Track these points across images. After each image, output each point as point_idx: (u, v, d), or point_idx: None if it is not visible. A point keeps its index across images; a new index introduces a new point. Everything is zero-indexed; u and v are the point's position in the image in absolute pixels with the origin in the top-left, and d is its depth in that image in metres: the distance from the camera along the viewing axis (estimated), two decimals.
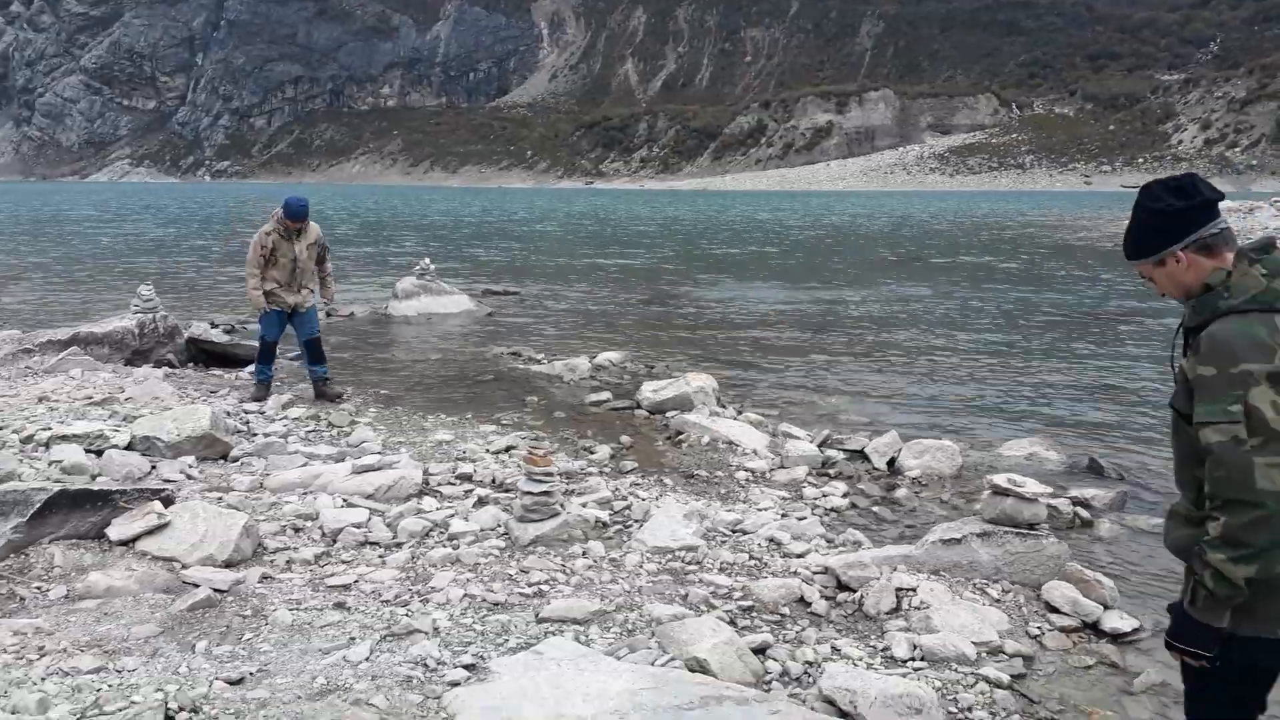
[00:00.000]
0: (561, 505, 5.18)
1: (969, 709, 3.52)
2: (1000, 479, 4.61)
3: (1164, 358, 11.24)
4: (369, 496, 5.52)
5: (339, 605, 4.14)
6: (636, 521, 5.37)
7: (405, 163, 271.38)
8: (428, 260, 15.38)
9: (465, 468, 6.15)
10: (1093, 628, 4.24)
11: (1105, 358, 11.32)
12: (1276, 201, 43.04)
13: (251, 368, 9.71)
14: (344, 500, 5.45)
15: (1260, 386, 2.08)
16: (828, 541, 5.24)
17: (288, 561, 4.63)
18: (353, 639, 3.81)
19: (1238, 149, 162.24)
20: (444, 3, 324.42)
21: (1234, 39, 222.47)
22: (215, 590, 4.15)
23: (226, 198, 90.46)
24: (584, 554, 4.84)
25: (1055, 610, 4.32)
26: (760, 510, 5.69)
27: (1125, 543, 5.41)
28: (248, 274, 8.08)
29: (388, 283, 16.42)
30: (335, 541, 4.93)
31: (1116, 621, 4.23)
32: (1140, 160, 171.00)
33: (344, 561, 4.70)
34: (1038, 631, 4.17)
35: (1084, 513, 5.74)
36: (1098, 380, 10.01)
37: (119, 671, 3.43)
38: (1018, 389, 9.59)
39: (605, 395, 8.65)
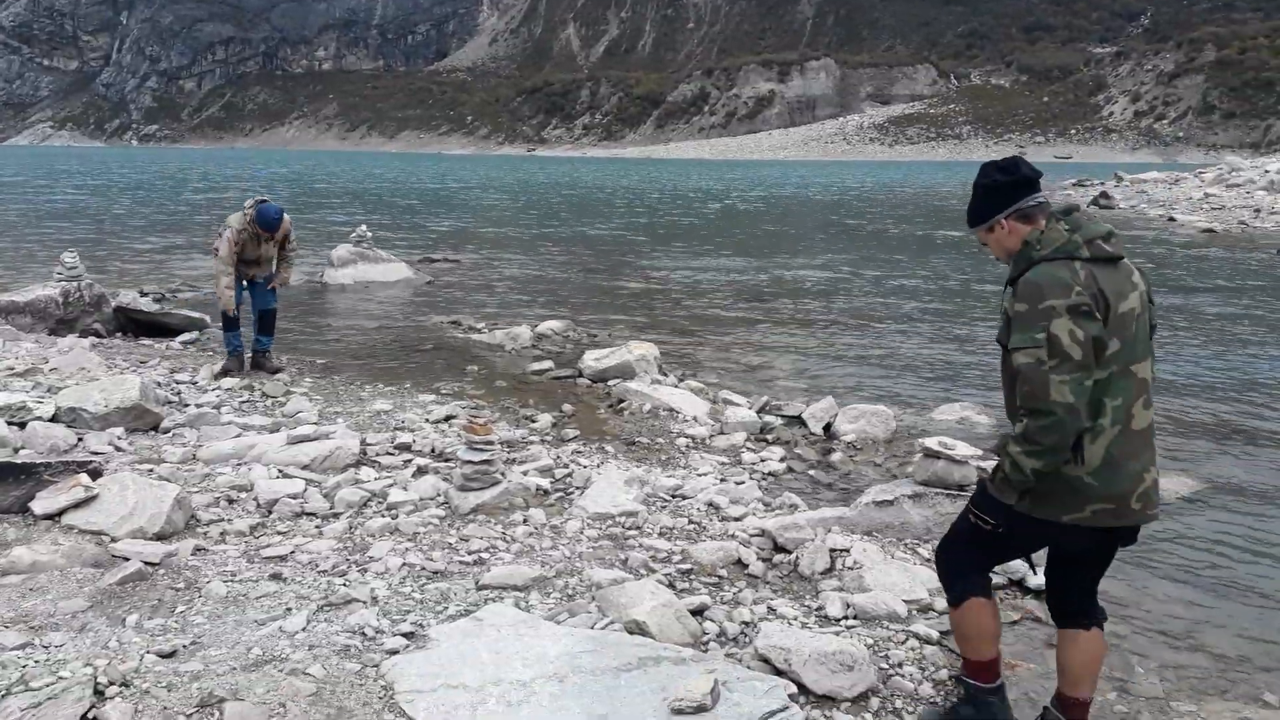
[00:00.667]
0: (502, 474, 5.18)
1: (899, 664, 3.62)
2: (931, 442, 4.72)
3: None
4: (305, 467, 5.46)
5: (275, 576, 4.10)
6: (578, 489, 5.39)
7: (341, 127, 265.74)
8: (364, 227, 15.12)
9: (404, 437, 6.10)
10: (1018, 584, 4.39)
11: None
12: (1200, 173, 44.30)
13: (185, 336, 9.53)
14: (279, 471, 5.38)
15: (1061, 318, 2.57)
16: (765, 505, 5.32)
17: (221, 533, 4.57)
18: (289, 609, 3.78)
19: (1165, 121, 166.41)
20: None
21: (1164, 13, 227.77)
22: (146, 563, 4.08)
23: (157, 163, 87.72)
24: (525, 521, 4.85)
25: None
26: (700, 476, 5.75)
27: None
28: (218, 272, 7.71)
29: (324, 250, 16.11)
30: (270, 513, 4.87)
31: (1041, 578, 4.37)
32: (1073, 131, 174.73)
33: (280, 533, 4.65)
34: None
35: None
36: None
37: (45, 647, 3.36)
38: (951, 355, 9.80)
39: (547, 364, 8.63)
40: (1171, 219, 27.96)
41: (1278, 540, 5.11)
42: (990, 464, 5.89)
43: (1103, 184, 44.57)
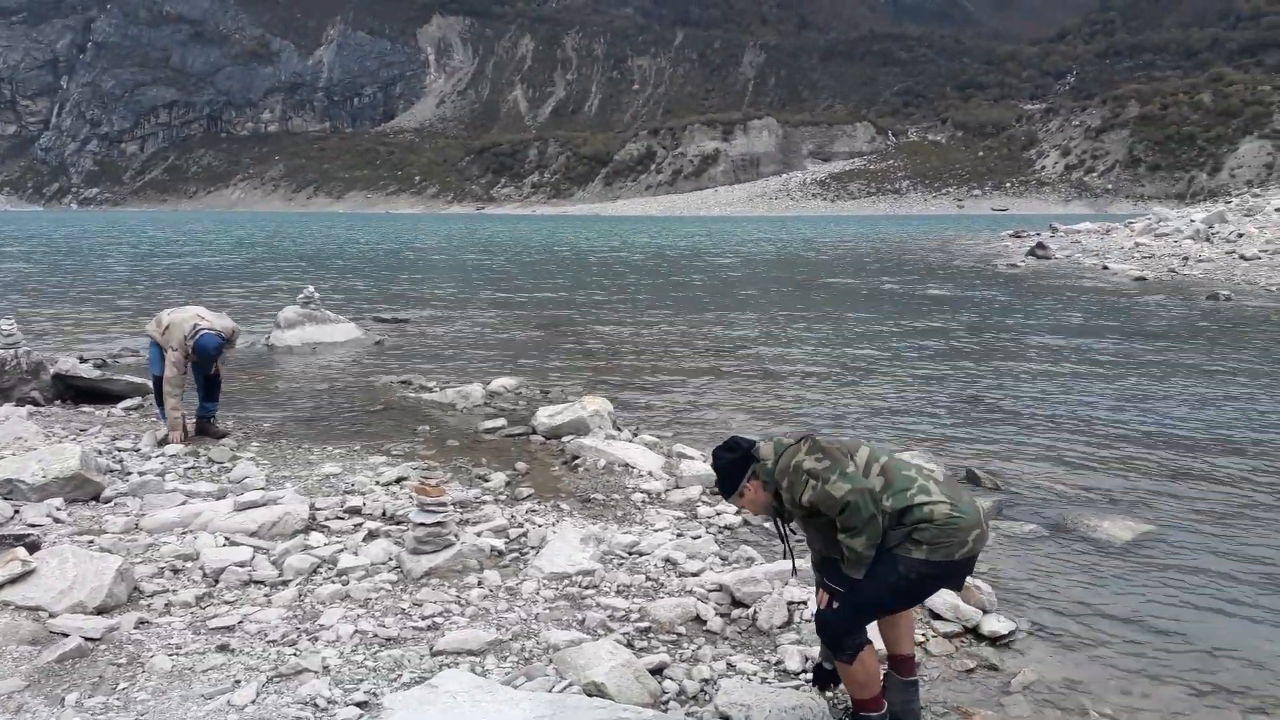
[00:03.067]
0: (455, 535, 5.12)
1: None
2: None
3: (1037, 372, 11.84)
4: (253, 534, 5.34)
5: (222, 648, 3.99)
6: (533, 548, 5.34)
7: (288, 188, 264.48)
8: (311, 288, 14.98)
9: (354, 501, 6.01)
10: (973, 632, 4.43)
11: (982, 372, 11.85)
12: (1130, 223, 45.87)
13: (127, 402, 9.31)
14: (226, 539, 5.25)
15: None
16: (722, 559, 5.31)
17: (166, 605, 4.44)
18: (238, 682, 3.67)
19: (1095, 174, 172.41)
20: (326, 27, 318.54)
21: (1088, 71, 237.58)
22: (86, 639, 3.94)
23: (95, 228, 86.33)
24: (479, 584, 4.79)
25: (938, 617, 4.49)
26: (656, 531, 5.73)
27: (1001, 549, 5.66)
28: (167, 393, 7.42)
29: (270, 312, 15.93)
30: (217, 582, 4.75)
31: (995, 625, 4.43)
32: (1008, 184, 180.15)
33: (227, 602, 4.53)
34: (922, 638, 4.32)
35: None
36: (973, 393, 10.46)
37: None
38: (901, 403, 9.94)
39: (500, 422, 8.58)
40: (1105, 268, 28.86)
41: (1217, 584, 5.22)
42: None
43: (1039, 234, 45.92)
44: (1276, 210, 38.78)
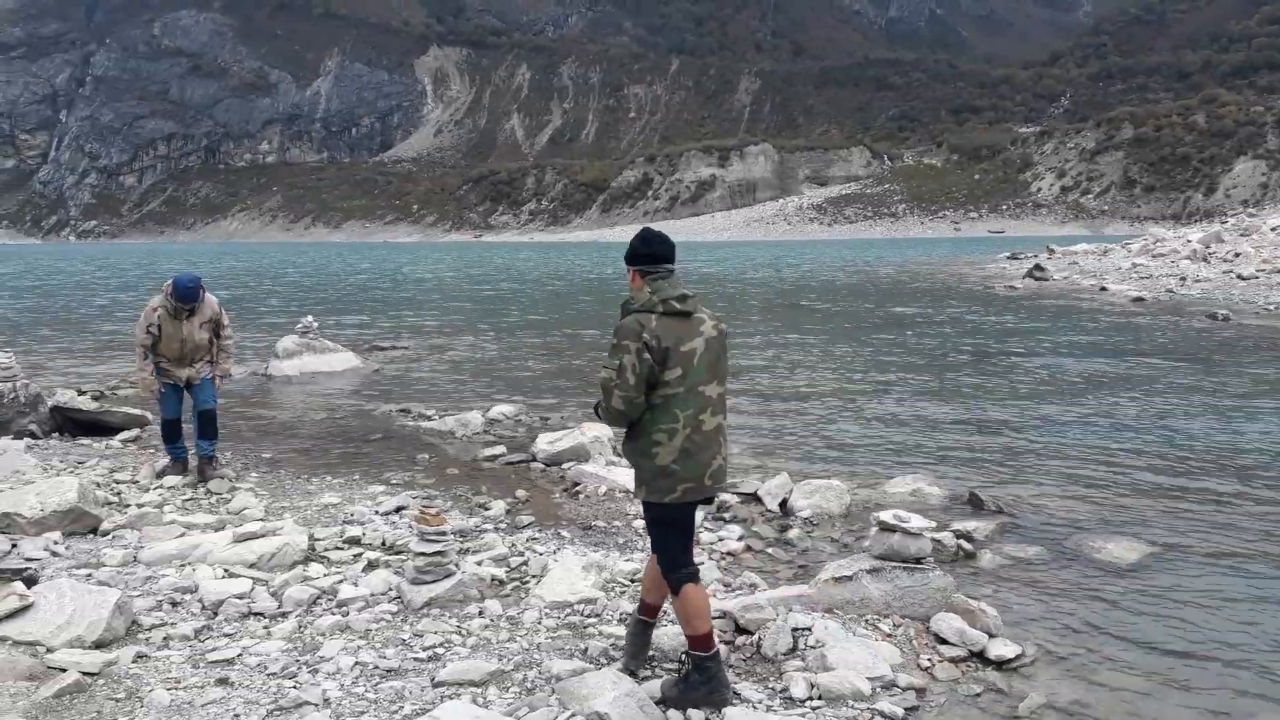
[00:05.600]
0: (456, 565, 5.08)
1: None
2: (886, 515, 4.74)
3: (1038, 394, 11.83)
4: (252, 565, 5.30)
5: (222, 681, 3.95)
6: (534, 577, 5.30)
7: (286, 219, 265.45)
8: (309, 318, 15.00)
9: (353, 531, 5.97)
10: (979, 656, 4.38)
11: (981, 395, 11.84)
12: (1127, 244, 46.06)
13: (125, 434, 9.28)
14: (225, 570, 5.22)
15: (630, 355, 3.64)
16: (725, 585, 5.28)
17: (165, 638, 4.39)
18: (237, 716, 3.64)
19: (1090, 195, 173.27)
20: (324, 59, 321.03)
21: (1082, 94, 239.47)
22: (84, 674, 3.90)
23: (93, 260, 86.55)
24: (480, 613, 4.75)
25: (944, 641, 4.45)
26: None
27: (1006, 572, 5.63)
28: (137, 354, 7.42)
29: (268, 342, 15.93)
30: (216, 614, 4.71)
31: (1001, 649, 4.39)
32: (1004, 207, 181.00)
33: (226, 635, 4.49)
34: (928, 663, 4.28)
35: (967, 545, 5.95)
36: (973, 416, 10.45)
37: None
38: (902, 428, 9.92)
39: (499, 449, 8.56)
40: (1103, 288, 28.94)
41: (1225, 605, 5.18)
42: (942, 535, 5.95)
43: (1036, 256, 46.08)
44: (1273, 230, 38.95)
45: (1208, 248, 36.21)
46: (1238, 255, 33.65)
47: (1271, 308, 22.00)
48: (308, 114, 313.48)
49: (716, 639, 3.92)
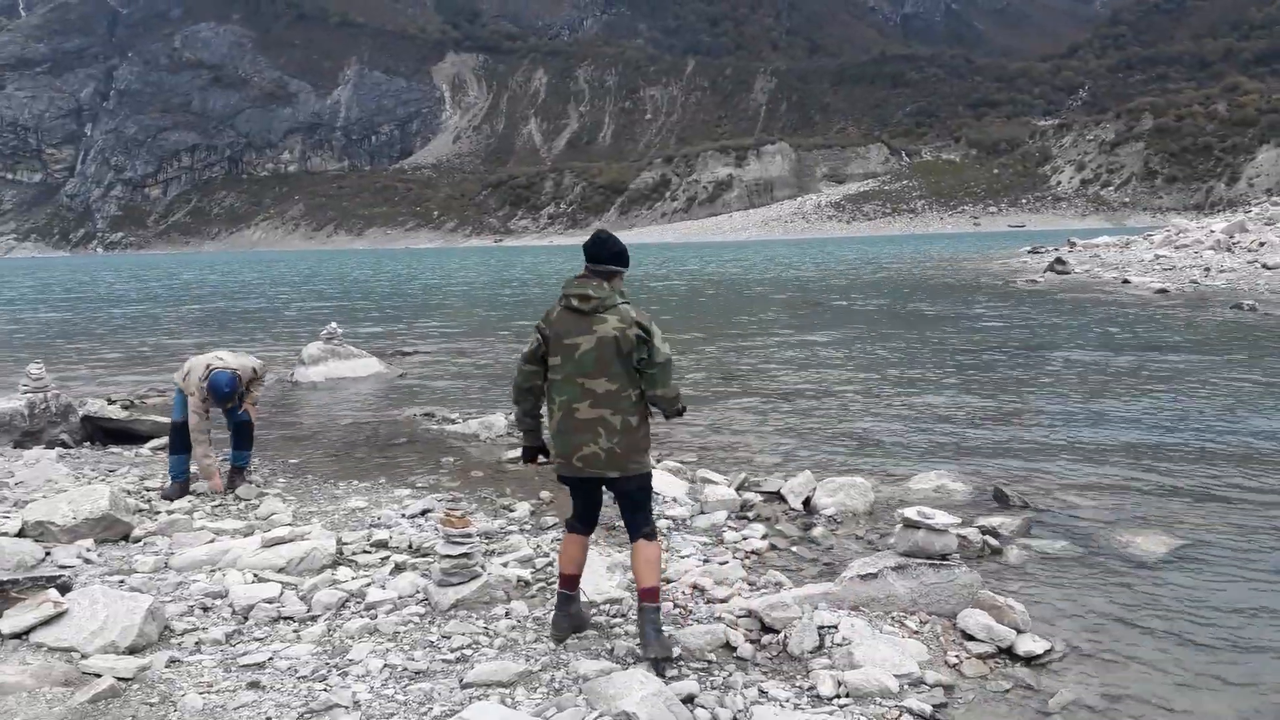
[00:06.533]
0: (482, 566, 5.11)
1: None
2: (911, 512, 4.73)
3: (1061, 388, 11.73)
4: (281, 570, 5.35)
5: (253, 685, 3.99)
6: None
7: (308, 227, 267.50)
8: (334, 325, 15.13)
9: (380, 534, 6.02)
10: (1007, 652, 4.36)
11: (1004, 390, 11.76)
12: (1149, 236, 45.58)
13: (155, 442, 9.28)
14: (254, 575, 5.27)
15: (535, 335, 4.29)
16: (750, 584, 5.28)
17: (197, 643, 4.45)
18: (269, 719, 3.67)
19: (1111, 187, 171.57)
20: (343, 68, 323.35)
21: (1101, 85, 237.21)
22: (119, 679, 3.95)
23: (120, 270, 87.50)
24: (507, 614, 4.78)
25: (971, 638, 4.44)
26: (683, 558, 5.71)
27: (1033, 567, 5.60)
28: (195, 440, 7.13)
29: (294, 349, 16.07)
30: (247, 619, 4.76)
31: (1030, 644, 4.37)
32: (1024, 201, 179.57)
33: (257, 639, 4.54)
34: (956, 660, 4.27)
35: (993, 541, 5.92)
36: (996, 411, 10.38)
37: None
38: (924, 424, 9.87)
39: None
40: (1126, 281, 28.66)
41: (1255, 597, 5.13)
42: (967, 531, 5.92)
43: (1057, 250, 45.70)
44: None
45: (1231, 238, 35.75)
46: (1262, 244, 33.23)
47: None
48: (328, 123, 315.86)
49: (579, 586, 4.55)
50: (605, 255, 4.24)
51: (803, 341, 17.69)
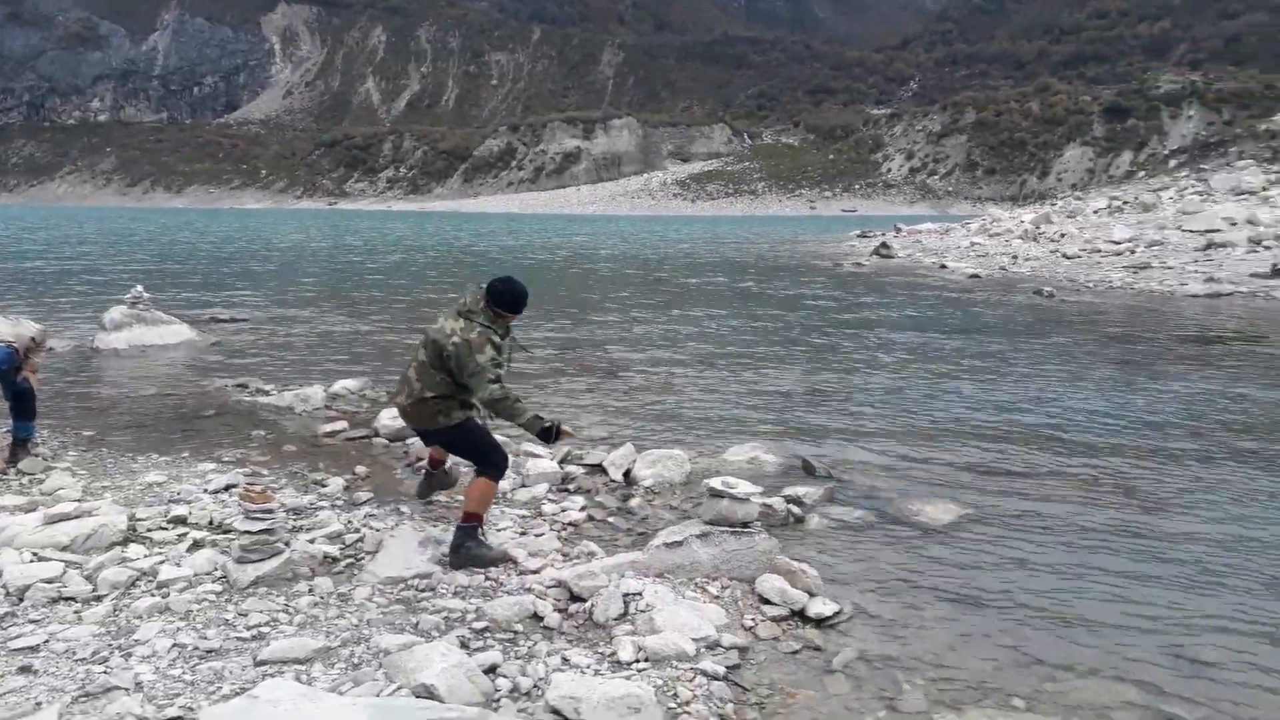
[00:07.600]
0: (285, 543, 4.97)
1: (686, 703, 3.72)
2: (716, 482, 4.91)
3: (875, 366, 12.39)
4: (65, 548, 5.03)
5: (24, 669, 3.76)
6: (369, 553, 5.24)
7: (121, 182, 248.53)
8: (140, 288, 14.15)
9: (179, 510, 5.73)
10: (800, 614, 4.61)
11: (821, 367, 12.33)
12: (967, 224, 48.58)
13: None
14: (34, 554, 4.93)
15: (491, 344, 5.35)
16: (564, 555, 5.35)
17: None
18: (38, 704, 3.48)
19: (936, 176, 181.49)
20: (160, 12, 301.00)
21: (929, 79, 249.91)
22: None
23: None
24: (310, 591, 4.66)
25: (767, 601, 4.66)
26: (498, 531, 5.72)
27: (830, 534, 5.92)
28: None
29: (95, 313, 14.97)
30: (22, 600, 4.46)
31: (820, 607, 4.63)
32: (857, 186, 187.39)
33: (32, 621, 4.26)
34: (751, 623, 4.48)
35: (796, 510, 6.21)
36: (815, 387, 10.88)
37: None
38: (744, 398, 10.23)
39: (340, 425, 8.35)
40: (943, 266, 30.47)
41: (1029, 560, 5.62)
42: (773, 500, 6.20)
43: (883, 234, 48.06)
44: (1094, 212, 41.88)
45: (1038, 228, 38.57)
46: (1064, 235, 36.01)
47: (1090, 285, 23.71)
48: (144, 70, 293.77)
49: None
50: (499, 298, 5.33)
51: (641, 319, 17.93)
